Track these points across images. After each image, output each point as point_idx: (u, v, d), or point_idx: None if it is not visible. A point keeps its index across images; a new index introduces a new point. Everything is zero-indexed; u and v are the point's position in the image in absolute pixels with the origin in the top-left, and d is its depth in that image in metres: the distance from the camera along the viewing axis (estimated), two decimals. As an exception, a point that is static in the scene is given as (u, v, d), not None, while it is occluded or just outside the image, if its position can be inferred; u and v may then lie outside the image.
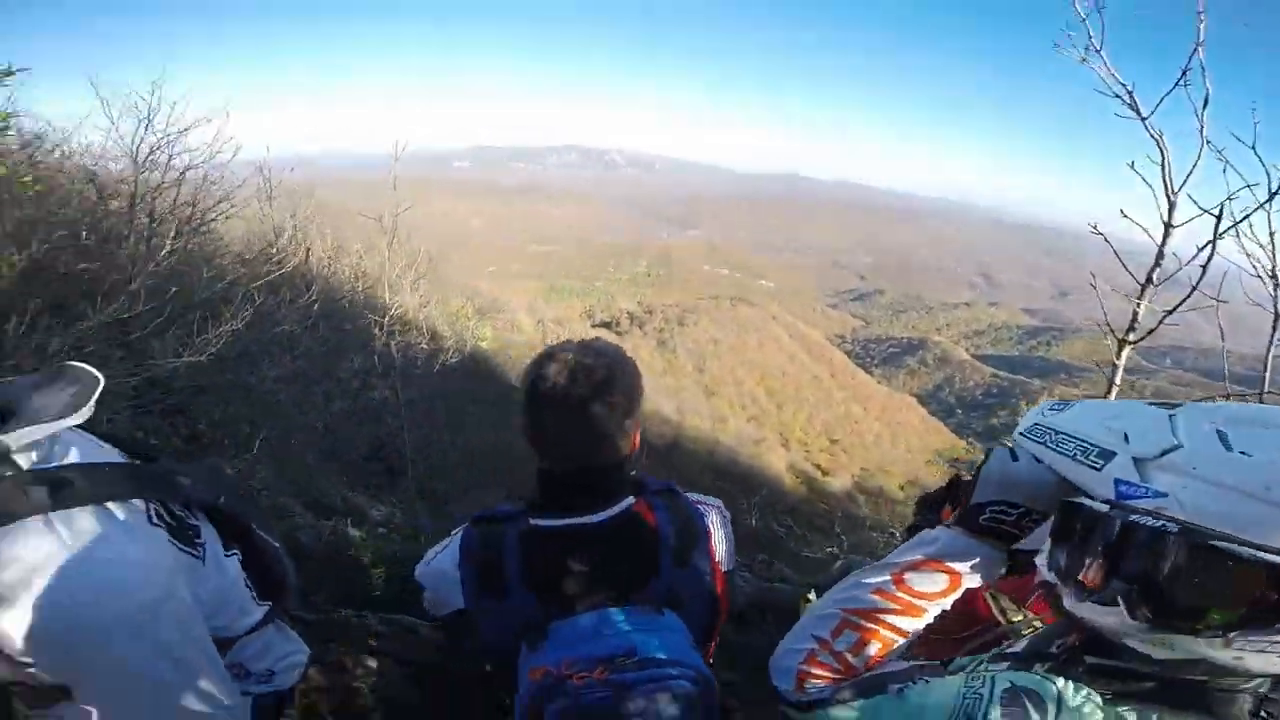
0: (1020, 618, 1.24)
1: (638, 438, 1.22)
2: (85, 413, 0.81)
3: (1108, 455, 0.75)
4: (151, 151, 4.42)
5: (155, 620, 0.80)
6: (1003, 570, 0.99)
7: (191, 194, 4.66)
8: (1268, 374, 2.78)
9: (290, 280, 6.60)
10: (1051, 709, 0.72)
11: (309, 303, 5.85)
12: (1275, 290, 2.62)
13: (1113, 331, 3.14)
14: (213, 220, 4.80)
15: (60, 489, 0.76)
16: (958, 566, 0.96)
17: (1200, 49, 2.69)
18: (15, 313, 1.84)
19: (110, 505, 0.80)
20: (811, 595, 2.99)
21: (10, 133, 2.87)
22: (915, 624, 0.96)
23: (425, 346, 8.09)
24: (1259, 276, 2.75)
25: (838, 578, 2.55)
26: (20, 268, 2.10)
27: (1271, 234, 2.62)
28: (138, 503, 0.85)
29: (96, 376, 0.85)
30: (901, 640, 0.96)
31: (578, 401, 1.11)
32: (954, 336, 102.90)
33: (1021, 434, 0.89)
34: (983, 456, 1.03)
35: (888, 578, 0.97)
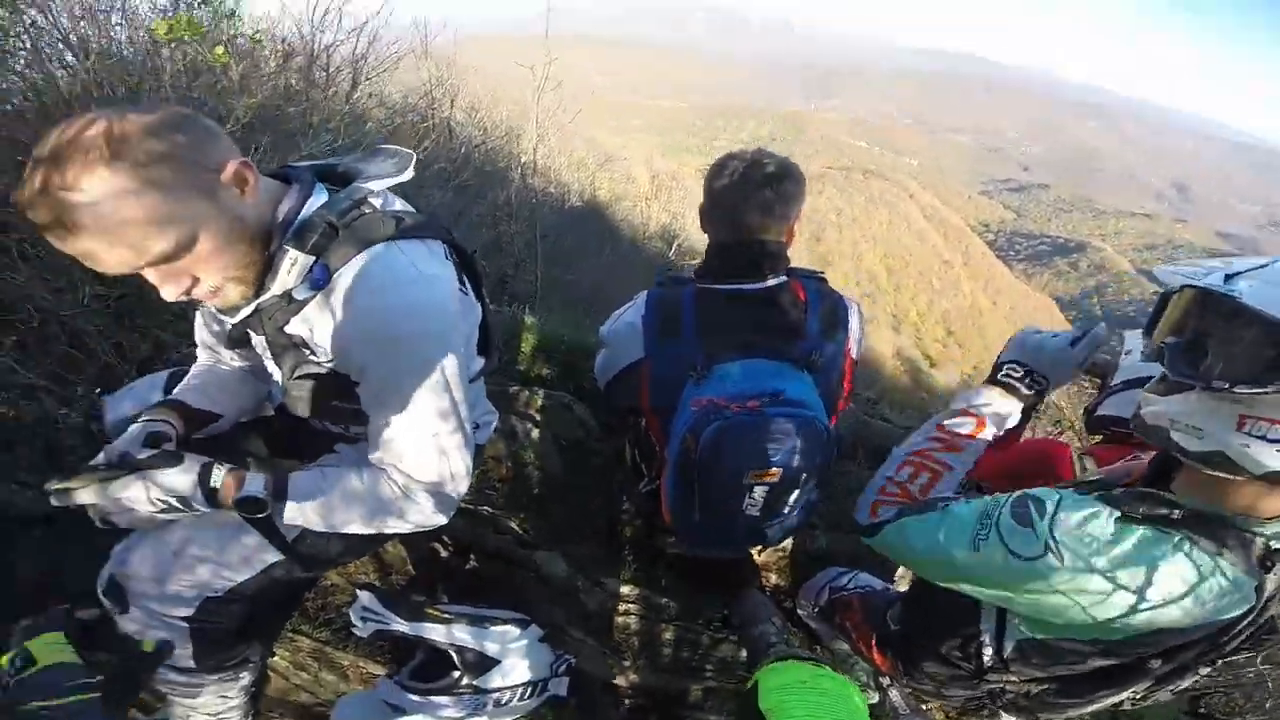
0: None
1: (794, 234, 1.41)
2: (410, 173, 1.00)
3: (1211, 270, 0.86)
4: (327, 12, 4.69)
5: (454, 330, 0.99)
6: (1017, 420, 1.17)
7: (363, 48, 5.01)
8: None
9: (446, 125, 7.03)
10: (1050, 507, 0.88)
11: (457, 146, 6.26)
12: None
13: None
14: (380, 73, 5.16)
15: (401, 223, 0.94)
16: (981, 412, 1.18)
17: None
18: (253, 146, 2.31)
19: (428, 241, 0.99)
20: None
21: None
22: (957, 458, 1.16)
23: (553, 191, 8.45)
24: None
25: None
26: (248, 118, 2.58)
27: None
28: (437, 243, 1.01)
29: (410, 152, 1.03)
30: (948, 473, 1.15)
31: (754, 183, 1.32)
32: (1121, 247, 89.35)
33: (1164, 267, 0.95)
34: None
35: (933, 426, 1.20)
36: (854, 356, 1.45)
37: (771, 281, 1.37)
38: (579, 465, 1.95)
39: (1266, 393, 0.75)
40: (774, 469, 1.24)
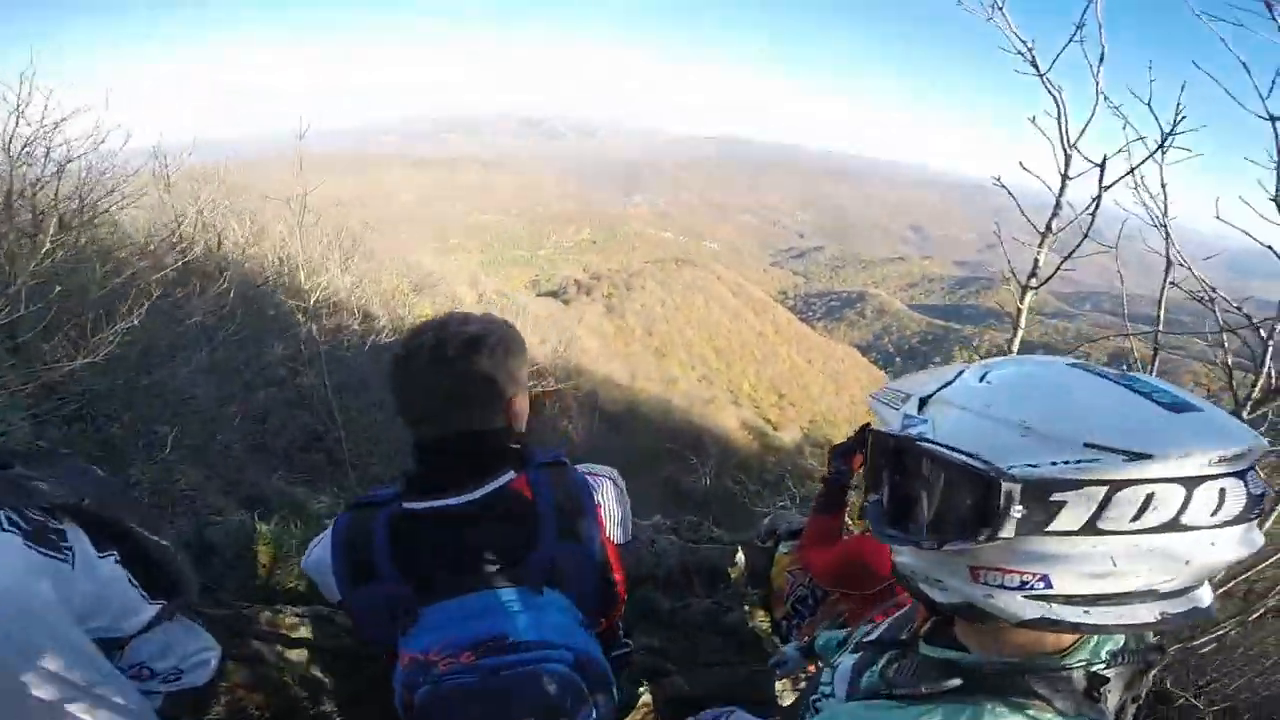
0: None
1: (521, 411, 1.17)
2: None
3: (905, 398, 0.80)
4: (27, 144, 4.03)
5: (18, 622, 0.78)
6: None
7: (76, 186, 4.29)
8: (1162, 314, 2.97)
9: (201, 269, 6.19)
10: None
11: (223, 291, 5.49)
12: (1165, 239, 2.78)
13: (1016, 278, 3.23)
14: (104, 212, 4.43)
15: None
16: None
17: (1097, 4, 2.74)
18: None
19: None
20: (739, 555, 3.13)
21: None
22: None
23: (357, 328, 7.78)
24: (1154, 225, 2.89)
25: (765, 534, 2.66)
26: None
27: (1163, 185, 2.72)
28: None
29: None
30: None
31: (444, 360, 1.07)
32: (890, 289, 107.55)
33: (872, 395, 0.93)
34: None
35: None
36: (617, 540, 1.24)
37: (489, 486, 1.11)
38: (352, 676, 1.53)
39: (979, 545, 0.65)
40: None
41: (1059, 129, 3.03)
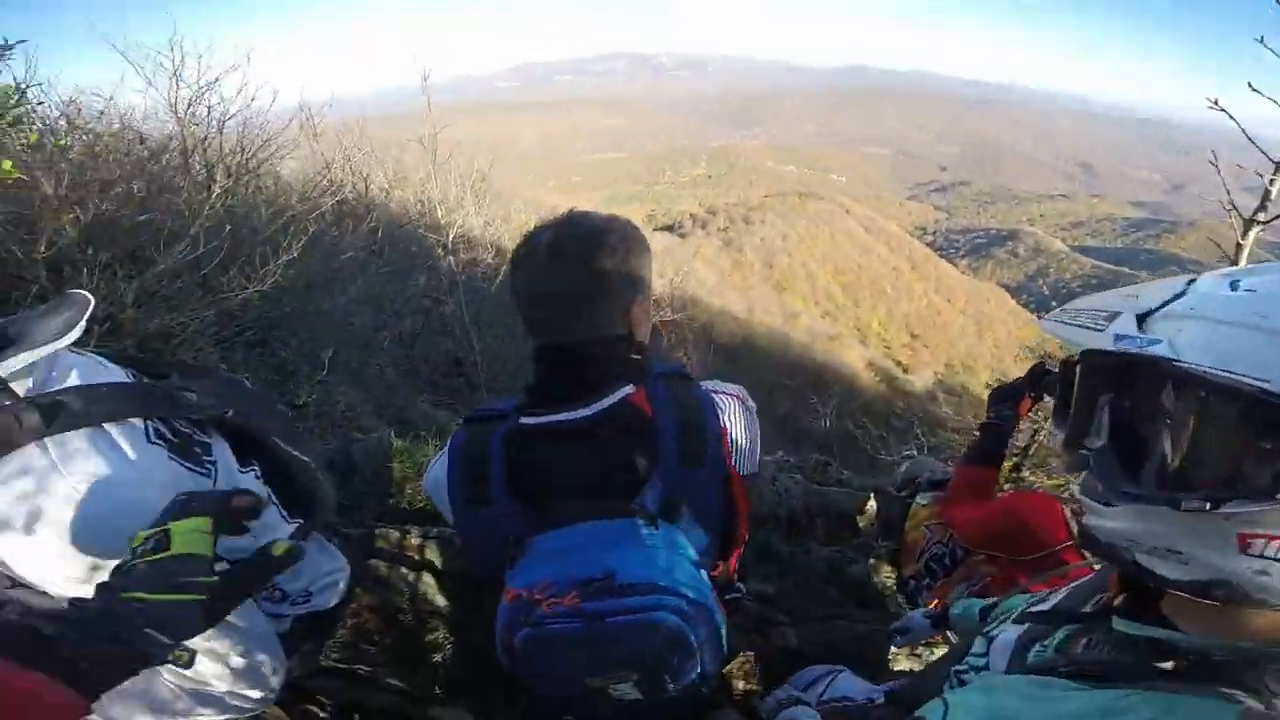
0: None
1: (643, 318, 1.05)
2: (75, 333, 0.81)
3: (1113, 315, 0.66)
4: (190, 105, 4.48)
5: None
6: None
7: (238, 140, 4.73)
8: None
9: (353, 211, 6.72)
10: None
11: (372, 229, 5.94)
12: None
13: (1238, 211, 2.97)
14: (265, 161, 4.89)
15: (54, 413, 0.76)
16: None
17: None
18: (86, 266, 1.93)
19: (107, 426, 0.81)
20: (870, 503, 2.86)
21: (34, 103, 2.93)
22: None
23: (491, 261, 8.16)
24: None
25: (903, 481, 2.44)
26: (84, 224, 2.18)
27: None
28: (136, 422, 0.85)
29: (87, 298, 0.85)
30: None
31: (560, 263, 0.97)
32: (1049, 229, 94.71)
33: (1046, 319, 0.78)
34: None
35: None
36: (744, 471, 1.08)
37: (606, 400, 0.99)
38: (471, 604, 1.67)
39: (1272, 509, 0.51)
40: (623, 672, 0.94)
41: None
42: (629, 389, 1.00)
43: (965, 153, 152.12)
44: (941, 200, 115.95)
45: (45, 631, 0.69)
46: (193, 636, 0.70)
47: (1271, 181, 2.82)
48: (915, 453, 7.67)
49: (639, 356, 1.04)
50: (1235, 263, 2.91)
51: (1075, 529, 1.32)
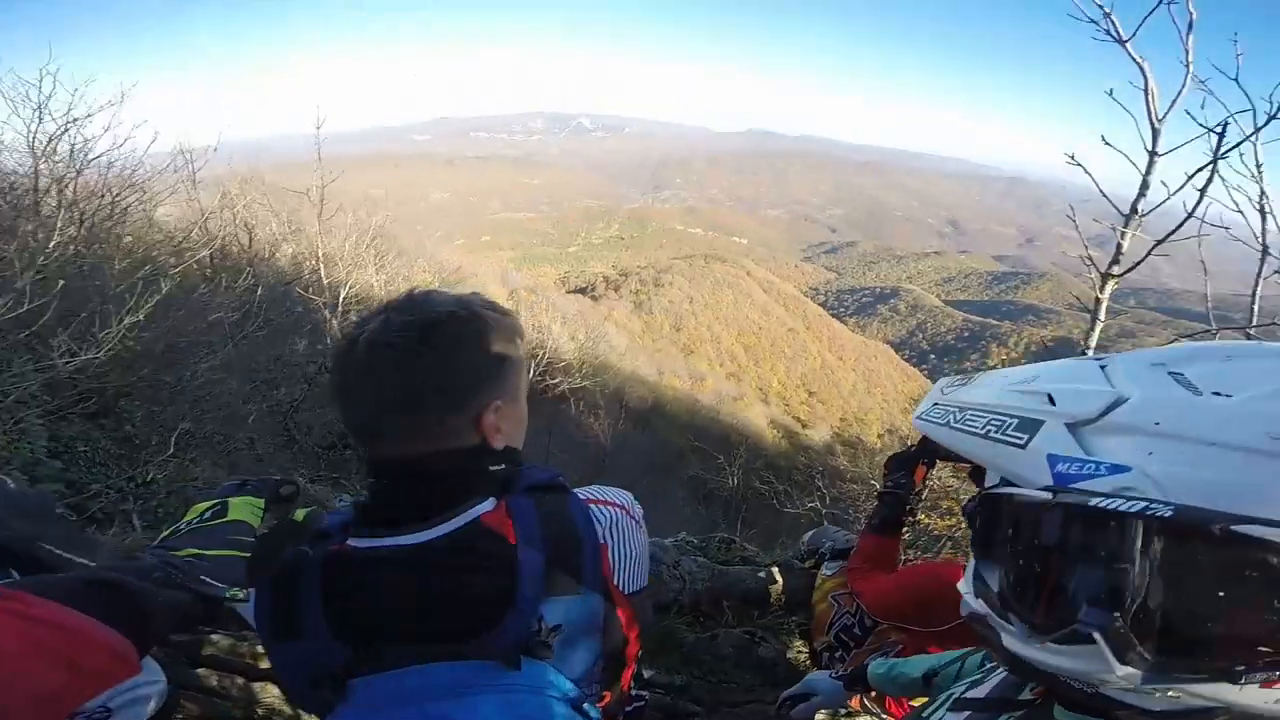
0: None
1: (507, 422, 0.90)
2: None
3: (1031, 425, 0.56)
4: (51, 140, 4.04)
5: None
6: None
7: (101, 182, 4.27)
8: (1256, 306, 2.69)
9: (234, 266, 6.20)
10: None
11: (249, 287, 5.45)
12: (1263, 223, 2.49)
13: (1095, 265, 2.98)
14: (125, 208, 4.41)
15: None
16: None
17: None
18: None
19: None
20: (776, 572, 2.87)
21: None
22: None
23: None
24: (1240, 212, 2.58)
25: (806, 552, 2.40)
26: None
27: (1259, 166, 2.46)
28: None
29: None
30: None
31: (385, 363, 0.81)
32: (925, 285, 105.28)
33: (921, 418, 0.71)
34: None
35: None
36: (628, 590, 0.96)
37: (445, 527, 0.83)
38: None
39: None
40: None
41: (1146, 101, 2.77)
42: (484, 507, 0.85)
43: (852, 214, 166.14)
44: (832, 261, 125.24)
45: (106, 578, 0.74)
46: (241, 587, 0.82)
47: (1123, 234, 2.88)
48: (818, 504, 7.90)
49: (501, 467, 0.89)
50: (1095, 316, 3.03)
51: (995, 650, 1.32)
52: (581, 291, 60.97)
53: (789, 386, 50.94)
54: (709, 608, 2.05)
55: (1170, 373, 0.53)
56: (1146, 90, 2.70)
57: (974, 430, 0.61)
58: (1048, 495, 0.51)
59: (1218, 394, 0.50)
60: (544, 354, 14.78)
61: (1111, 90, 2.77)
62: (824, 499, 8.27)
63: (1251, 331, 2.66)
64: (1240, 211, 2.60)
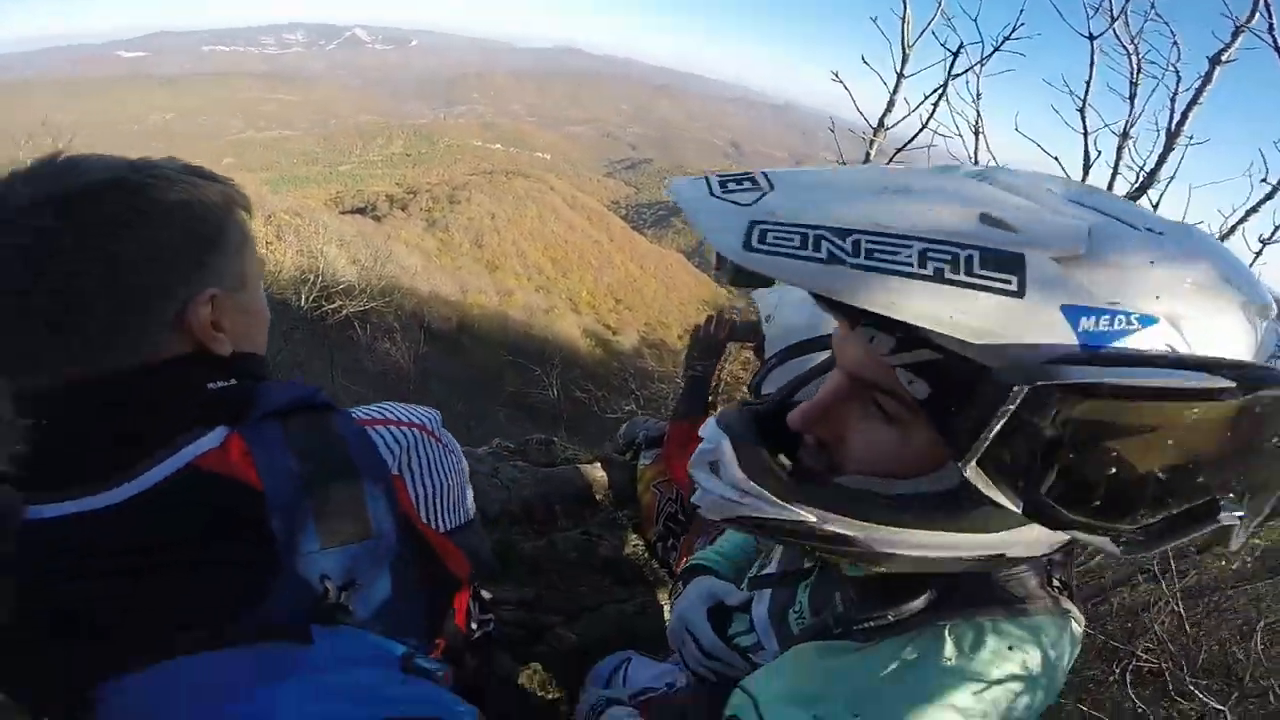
0: None
1: (230, 318, 0.68)
2: None
3: (1009, 262, 0.42)
4: None
5: None
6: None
7: None
8: None
9: None
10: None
11: None
12: (976, 142, 2.71)
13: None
14: None
15: None
16: None
17: None
18: None
19: None
20: (599, 469, 2.83)
21: None
22: None
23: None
24: (960, 136, 2.82)
25: (625, 444, 2.33)
26: None
27: (978, 96, 2.65)
28: None
29: None
30: None
31: (35, 248, 0.58)
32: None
33: (752, 248, 0.44)
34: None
35: None
36: (442, 526, 0.76)
37: (145, 478, 0.58)
38: None
39: None
40: None
41: (901, 30, 3.03)
42: (204, 444, 0.61)
43: (649, 133, 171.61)
44: (632, 177, 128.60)
45: None
46: None
47: (871, 144, 3.31)
48: (634, 406, 8.11)
49: (229, 384, 0.66)
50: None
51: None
52: (360, 211, 54.33)
53: (598, 296, 52.17)
54: (541, 514, 1.94)
55: (1076, 202, 0.48)
56: (904, 17, 2.99)
57: (901, 268, 0.42)
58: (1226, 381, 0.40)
59: (1150, 230, 0.46)
60: (316, 277, 12.70)
61: (876, 18, 2.90)
62: (638, 400, 8.47)
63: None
64: (960, 135, 2.93)
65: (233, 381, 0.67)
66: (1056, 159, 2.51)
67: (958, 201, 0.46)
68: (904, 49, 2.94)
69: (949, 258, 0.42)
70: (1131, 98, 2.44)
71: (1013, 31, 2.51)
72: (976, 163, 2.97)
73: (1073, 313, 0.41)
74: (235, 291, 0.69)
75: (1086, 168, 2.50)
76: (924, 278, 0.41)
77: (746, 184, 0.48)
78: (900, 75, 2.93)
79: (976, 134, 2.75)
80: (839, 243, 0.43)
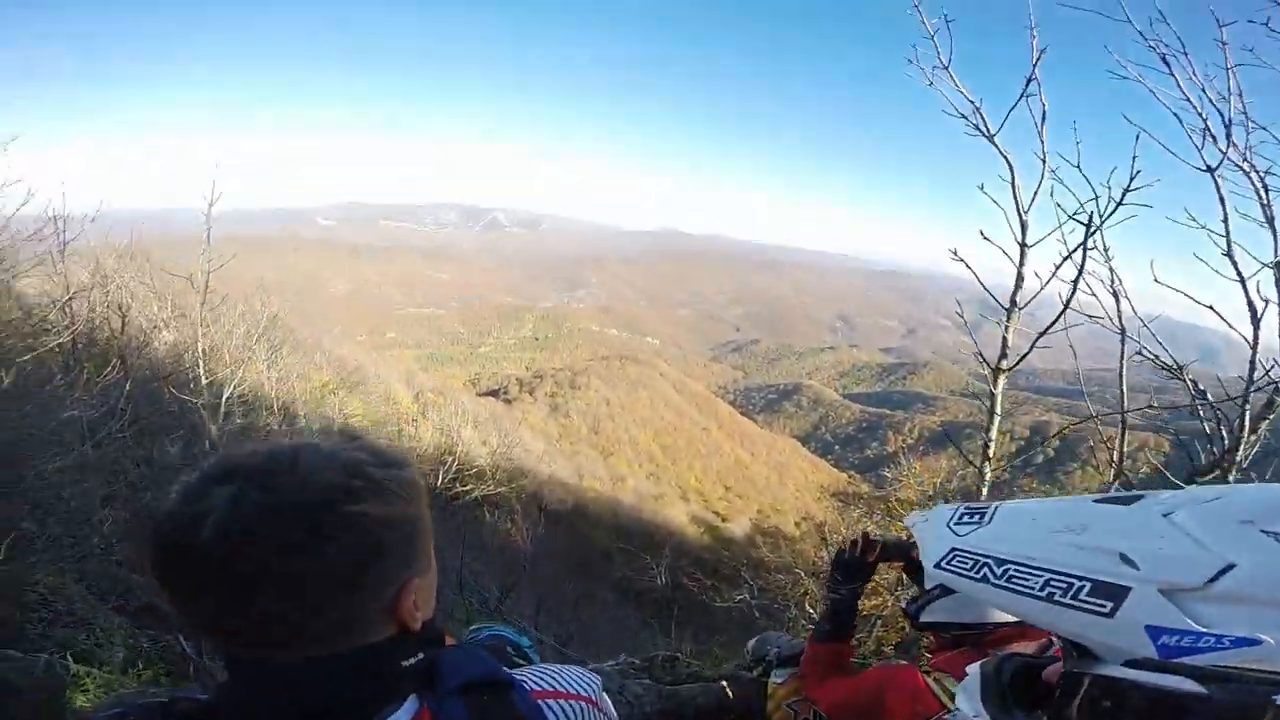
0: None
1: (416, 597, 0.69)
2: None
3: (1114, 591, 0.52)
4: None
5: None
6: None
7: None
8: (1124, 390, 2.76)
9: (99, 354, 5.49)
10: None
11: (117, 379, 4.81)
12: (1118, 305, 2.57)
13: (986, 361, 3.06)
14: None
15: None
16: None
17: (1036, 63, 2.68)
18: None
19: None
20: (726, 687, 2.53)
21: None
22: None
23: (277, 427, 6.99)
24: (1094, 294, 2.67)
25: (752, 660, 2.26)
26: None
27: (1105, 249, 2.57)
28: None
29: None
30: None
31: (244, 555, 0.57)
32: (823, 379, 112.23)
33: (942, 567, 0.66)
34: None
35: None
36: None
37: None
38: None
39: None
40: None
41: (1013, 195, 2.79)
42: (402, 716, 0.65)
43: (753, 310, 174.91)
44: (738, 360, 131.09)
45: None
46: None
47: (1006, 329, 2.92)
48: (747, 596, 7.69)
49: (418, 658, 0.70)
50: (993, 412, 3.06)
51: (940, 693, 1.33)
52: (493, 394, 59.49)
53: (706, 483, 51.09)
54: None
55: (1264, 532, 0.50)
56: (1013, 183, 2.80)
57: (1027, 590, 0.57)
58: (1201, 688, 0.45)
59: None
60: (453, 460, 13.95)
61: (984, 185, 2.86)
62: (752, 591, 8.08)
63: (1124, 415, 2.75)
64: (1094, 294, 2.68)
65: (420, 656, 0.70)
66: (1211, 307, 2.32)
67: (1115, 537, 0.56)
68: (1020, 216, 2.74)
69: (1064, 587, 0.55)
70: (1270, 221, 2.15)
71: (1130, 182, 2.36)
72: (1121, 328, 2.51)
73: (1154, 631, 0.49)
74: (425, 573, 0.71)
75: (1256, 320, 2.21)
76: (1037, 598, 0.56)
77: (976, 518, 0.69)
78: (1023, 245, 2.74)
79: (1116, 296, 2.56)
80: (995, 569, 0.61)
